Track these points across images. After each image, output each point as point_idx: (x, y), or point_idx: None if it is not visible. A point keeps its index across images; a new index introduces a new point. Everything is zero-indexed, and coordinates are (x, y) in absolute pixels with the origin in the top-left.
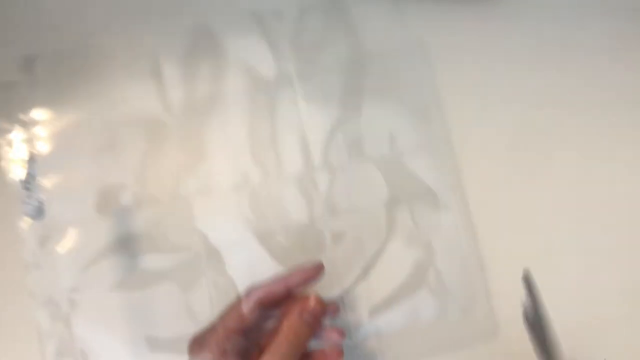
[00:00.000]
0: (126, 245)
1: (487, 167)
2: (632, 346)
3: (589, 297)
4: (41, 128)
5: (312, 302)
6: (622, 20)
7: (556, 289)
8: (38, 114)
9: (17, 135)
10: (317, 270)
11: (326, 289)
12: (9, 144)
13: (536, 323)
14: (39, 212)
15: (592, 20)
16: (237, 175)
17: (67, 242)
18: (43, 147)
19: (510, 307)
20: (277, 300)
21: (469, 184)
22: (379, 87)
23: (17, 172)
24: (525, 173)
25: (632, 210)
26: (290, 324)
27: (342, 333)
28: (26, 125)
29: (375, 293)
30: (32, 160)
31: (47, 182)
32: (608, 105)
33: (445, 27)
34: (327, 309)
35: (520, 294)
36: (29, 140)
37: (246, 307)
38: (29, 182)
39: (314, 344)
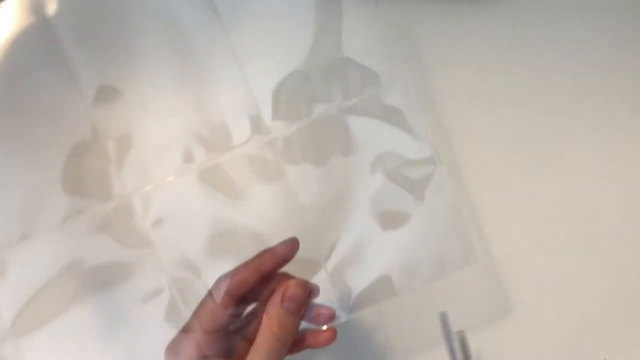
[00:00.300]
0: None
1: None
2: (632, 346)
3: (591, 296)
4: None
5: (292, 287)
6: (623, 19)
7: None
8: None
9: None
10: (291, 248)
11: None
12: None
13: None
14: None
15: (592, 19)
16: (176, 158)
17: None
18: None
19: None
20: (252, 289)
21: (456, 131)
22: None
23: None
24: (525, 173)
25: (633, 209)
26: (271, 315)
27: (332, 311)
28: None
29: (361, 257)
30: None
31: None
32: (609, 103)
33: (444, 27)
34: (310, 291)
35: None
36: None
37: (218, 303)
38: None
39: (303, 325)
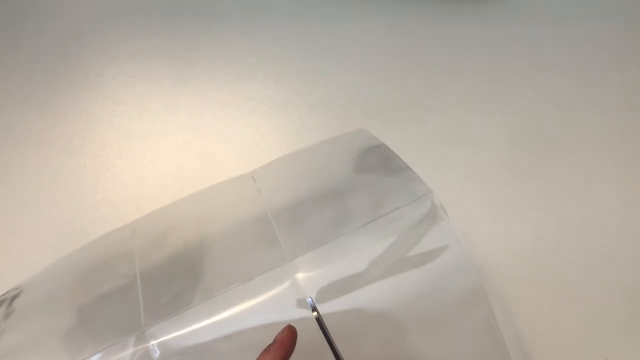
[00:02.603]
0: None
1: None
2: (632, 346)
3: (591, 297)
4: None
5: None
6: (623, 20)
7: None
8: None
9: None
10: (290, 340)
11: None
12: None
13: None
14: None
15: (592, 19)
16: None
17: None
18: None
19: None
20: None
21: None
22: None
23: None
24: (525, 174)
25: (633, 209)
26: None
27: None
28: None
29: None
30: None
31: None
32: (608, 104)
33: (445, 27)
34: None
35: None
36: None
37: None
38: None
39: None
